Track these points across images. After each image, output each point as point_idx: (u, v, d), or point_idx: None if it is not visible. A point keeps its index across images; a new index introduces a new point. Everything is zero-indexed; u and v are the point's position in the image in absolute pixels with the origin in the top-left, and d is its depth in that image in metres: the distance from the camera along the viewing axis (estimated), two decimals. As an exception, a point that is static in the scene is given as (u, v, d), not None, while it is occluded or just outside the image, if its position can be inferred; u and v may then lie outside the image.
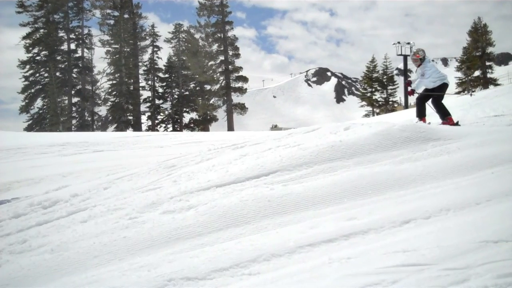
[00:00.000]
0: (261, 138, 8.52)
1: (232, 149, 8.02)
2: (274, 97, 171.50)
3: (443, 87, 10.32)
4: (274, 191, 5.19)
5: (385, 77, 62.25)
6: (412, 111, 16.88)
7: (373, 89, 62.09)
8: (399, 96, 59.35)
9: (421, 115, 10.37)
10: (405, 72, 47.47)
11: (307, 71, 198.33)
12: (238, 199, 5.06)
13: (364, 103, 63.45)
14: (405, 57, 46.84)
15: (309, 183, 5.42)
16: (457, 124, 9.83)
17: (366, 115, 59.15)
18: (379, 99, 61.80)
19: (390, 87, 61.80)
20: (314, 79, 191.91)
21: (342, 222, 4.25)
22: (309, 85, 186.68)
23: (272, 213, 4.71)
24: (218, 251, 4.02)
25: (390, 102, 61.32)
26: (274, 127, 76.80)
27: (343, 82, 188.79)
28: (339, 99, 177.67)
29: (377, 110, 60.67)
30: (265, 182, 5.63)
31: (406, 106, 45.33)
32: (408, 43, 47.74)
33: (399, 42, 47.79)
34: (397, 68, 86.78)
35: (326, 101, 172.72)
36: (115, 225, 5.06)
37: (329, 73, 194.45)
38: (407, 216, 4.22)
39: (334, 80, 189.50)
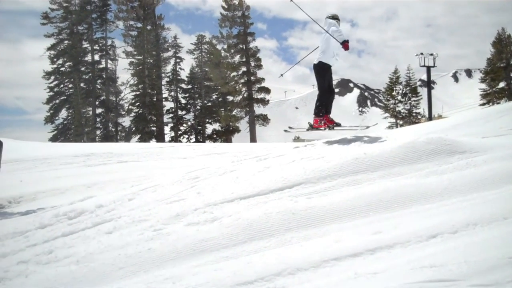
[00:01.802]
0: (284, 150, 8.50)
1: (256, 161, 8.01)
2: (297, 108, 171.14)
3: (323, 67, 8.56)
4: (298, 204, 5.18)
5: (408, 88, 61.75)
6: (437, 123, 16.71)
7: (396, 101, 61.64)
8: (423, 107, 58.78)
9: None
10: (428, 84, 47.08)
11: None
12: (262, 212, 5.06)
13: (387, 114, 63.01)
14: (429, 68, 46.47)
15: (334, 196, 5.39)
16: (311, 128, 8.62)
17: (390, 127, 58.70)
18: (402, 111, 61.30)
19: (414, 98, 61.27)
20: (336, 90, 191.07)
21: (367, 236, 4.21)
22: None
23: (297, 226, 4.70)
24: (243, 264, 4.01)
25: (414, 114, 60.76)
26: (297, 139, 76.55)
27: (366, 93, 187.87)
28: (362, 110, 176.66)
29: (401, 122, 60.16)
30: (289, 194, 5.61)
31: (430, 118, 44.87)
32: (431, 54, 47.32)
33: (422, 53, 47.38)
34: (420, 79, 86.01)
35: (349, 112, 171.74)
36: (140, 237, 5.09)
37: (351, 84, 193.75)
38: (433, 230, 4.16)
39: (356, 91, 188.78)
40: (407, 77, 62.14)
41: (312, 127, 8.49)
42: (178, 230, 5.07)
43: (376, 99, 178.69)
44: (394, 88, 61.36)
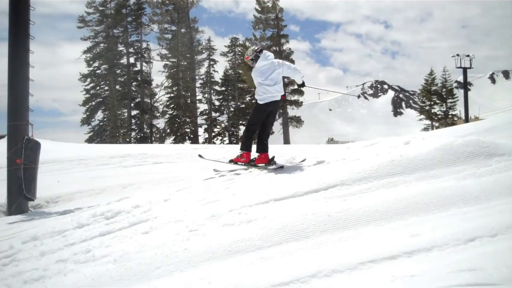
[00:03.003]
0: (319, 152, 8.47)
1: (290, 162, 8.01)
2: (330, 110, 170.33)
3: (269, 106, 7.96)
4: (333, 206, 5.16)
5: (444, 90, 60.86)
6: (474, 125, 16.37)
7: (432, 102, 60.79)
8: (459, 109, 57.83)
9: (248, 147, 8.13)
10: (465, 85, 46.29)
11: (363, 84, 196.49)
12: (297, 214, 5.05)
13: (422, 116, 62.21)
14: (465, 70, 45.69)
15: (369, 198, 5.35)
16: (251, 162, 8.06)
17: (425, 129, 57.92)
18: (438, 113, 60.43)
19: (450, 100, 60.35)
20: (371, 92, 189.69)
21: (404, 239, 4.16)
22: (366, 98, 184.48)
23: (332, 228, 4.67)
24: (278, 265, 4.01)
25: (450, 116, 59.84)
26: (330, 141, 76.30)
27: (401, 95, 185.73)
28: (397, 112, 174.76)
29: (437, 124, 59.32)
30: (324, 196, 5.59)
31: (467, 119, 44.11)
32: (468, 56, 46.50)
33: (458, 55, 46.60)
34: (456, 81, 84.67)
35: (383, 114, 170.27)
36: (176, 237, 5.14)
37: (385, 86, 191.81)
38: (472, 233, 4.09)
39: (391, 93, 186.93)
40: (443, 78, 61.23)
41: (233, 161, 8.16)
42: (213, 231, 5.10)
43: (411, 101, 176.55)
44: (430, 90, 60.50)
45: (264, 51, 8.04)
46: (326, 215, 4.90)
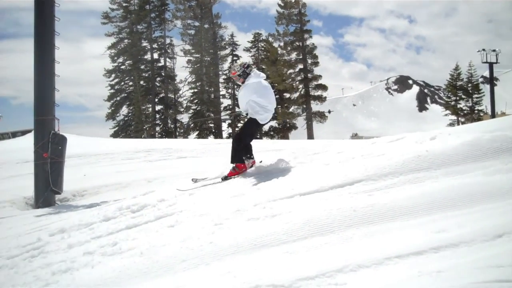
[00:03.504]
0: (343, 147, 8.44)
1: (314, 158, 7.99)
2: (354, 105, 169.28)
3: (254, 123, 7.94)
4: (359, 201, 5.14)
5: (470, 85, 60.09)
6: (501, 120, 16.14)
7: (458, 98, 60.08)
8: (485, 104, 57.02)
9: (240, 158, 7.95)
10: (491, 80, 45.57)
11: (387, 79, 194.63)
12: (322, 208, 5.04)
13: (448, 112, 61.53)
14: (491, 65, 44.96)
15: (395, 193, 5.31)
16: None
17: (451, 124, 57.26)
18: (464, 108, 59.71)
19: (476, 95, 59.57)
20: (395, 87, 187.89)
21: (431, 234, 4.12)
22: (390, 93, 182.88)
23: (358, 223, 4.65)
24: (303, 260, 4.02)
25: (476, 111, 59.07)
26: (355, 136, 75.86)
27: (426, 90, 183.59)
28: (422, 107, 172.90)
29: (462, 119, 58.61)
30: (350, 191, 5.57)
31: (493, 115, 43.45)
32: (494, 50, 45.70)
33: (484, 49, 45.79)
34: (482, 76, 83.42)
35: (408, 109, 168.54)
36: (201, 231, 5.18)
37: (410, 81, 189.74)
38: (500, 229, 4.04)
39: (416, 88, 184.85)
40: (469, 73, 60.43)
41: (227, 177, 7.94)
42: (238, 225, 5.13)
43: (436, 96, 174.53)
44: (456, 85, 59.78)
45: (253, 68, 8.06)
46: (351, 210, 4.88)
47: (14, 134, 36.59)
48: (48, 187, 9.82)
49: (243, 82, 7.89)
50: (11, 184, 11.88)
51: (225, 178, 7.76)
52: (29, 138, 13.15)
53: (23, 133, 33.84)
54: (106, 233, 6.02)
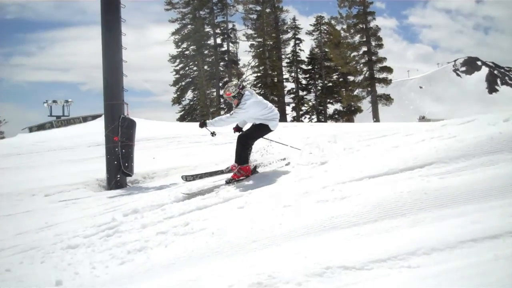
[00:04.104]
0: (412, 129, 8.28)
1: (382, 140, 7.90)
2: (421, 87, 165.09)
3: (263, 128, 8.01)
4: (430, 184, 5.03)
5: (544, 65, 57.43)
6: None
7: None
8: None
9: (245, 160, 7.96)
10: None
11: (455, 61, 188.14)
12: (392, 191, 4.97)
13: (520, 93, 59.16)
14: None
15: (468, 176, 5.16)
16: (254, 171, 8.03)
17: (522, 106, 55.06)
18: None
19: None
20: (463, 68, 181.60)
21: (507, 218, 3.99)
22: (458, 75, 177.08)
23: (429, 206, 4.56)
24: (374, 242, 3.99)
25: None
26: (422, 119, 74.09)
27: (495, 72, 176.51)
28: (492, 89, 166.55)
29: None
30: (420, 174, 5.46)
31: None
32: None
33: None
34: (558, 55, 79.40)
35: (477, 91, 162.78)
36: (271, 212, 5.24)
37: (479, 62, 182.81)
38: None
39: (485, 70, 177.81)
40: (544, 52, 57.69)
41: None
42: (307, 207, 5.15)
43: (507, 78, 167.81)
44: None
45: (246, 87, 8.26)
46: (422, 192, 4.79)
47: (85, 119, 37.73)
48: (119, 169, 10.15)
49: (237, 104, 7.87)
50: (84, 167, 12.32)
51: (230, 181, 7.69)
52: (100, 123, 13.58)
53: (94, 117, 34.84)
54: (177, 213, 6.20)
